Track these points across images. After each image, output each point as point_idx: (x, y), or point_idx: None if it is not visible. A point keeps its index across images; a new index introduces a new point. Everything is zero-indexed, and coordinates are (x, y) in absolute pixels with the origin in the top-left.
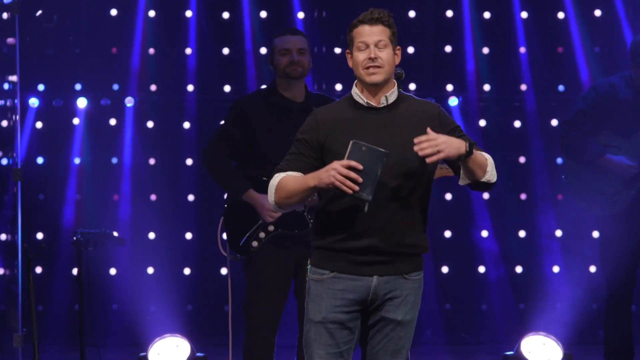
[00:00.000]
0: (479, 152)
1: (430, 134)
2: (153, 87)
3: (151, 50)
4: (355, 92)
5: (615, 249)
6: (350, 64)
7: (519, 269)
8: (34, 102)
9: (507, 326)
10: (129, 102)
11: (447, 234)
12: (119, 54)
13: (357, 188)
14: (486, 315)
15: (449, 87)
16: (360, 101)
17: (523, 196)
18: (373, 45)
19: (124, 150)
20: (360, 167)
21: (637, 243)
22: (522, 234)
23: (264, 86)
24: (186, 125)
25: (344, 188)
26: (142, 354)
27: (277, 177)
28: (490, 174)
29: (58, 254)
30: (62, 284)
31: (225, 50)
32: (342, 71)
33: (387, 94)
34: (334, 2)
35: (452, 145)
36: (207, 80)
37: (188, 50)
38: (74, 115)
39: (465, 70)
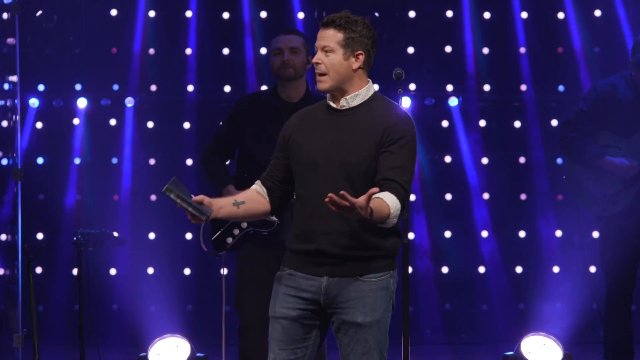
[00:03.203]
0: (382, 206)
1: (348, 198)
2: (153, 87)
3: (151, 51)
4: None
5: (615, 249)
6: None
7: (519, 269)
8: (34, 102)
9: (507, 326)
10: (129, 102)
11: (447, 234)
12: (119, 54)
13: (197, 219)
14: (486, 315)
15: (449, 88)
16: (329, 103)
17: (523, 196)
18: (319, 50)
19: (124, 150)
20: (177, 202)
21: (637, 243)
22: (522, 234)
23: (264, 87)
24: (186, 125)
25: (194, 221)
26: (142, 354)
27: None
28: (388, 223)
29: (58, 254)
30: (62, 284)
31: (226, 51)
32: None
33: (348, 97)
34: (334, 2)
35: (356, 215)
36: (207, 80)
37: (188, 51)
38: (74, 116)
39: (465, 70)
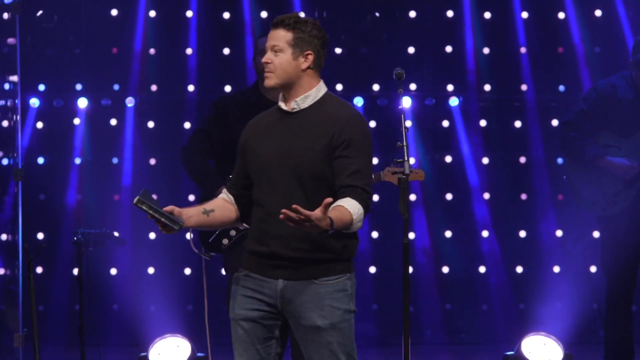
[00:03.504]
0: (344, 214)
1: (302, 212)
2: (154, 87)
3: (152, 51)
4: (280, 96)
5: (615, 249)
6: None
7: (519, 269)
8: (34, 102)
9: (508, 326)
10: (130, 102)
11: (448, 234)
12: (119, 54)
13: (169, 230)
14: (486, 315)
15: (450, 87)
16: (281, 106)
17: (523, 196)
18: (269, 50)
19: (124, 150)
20: (149, 213)
21: (638, 243)
22: (522, 234)
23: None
24: (187, 125)
25: (165, 232)
26: (142, 354)
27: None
28: (352, 229)
29: (58, 254)
30: (62, 284)
31: (226, 51)
32: (342, 71)
33: (298, 99)
34: (334, 2)
35: (316, 228)
36: (208, 80)
37: (188, 51)
38: (75, 116)
39: (465, 70)
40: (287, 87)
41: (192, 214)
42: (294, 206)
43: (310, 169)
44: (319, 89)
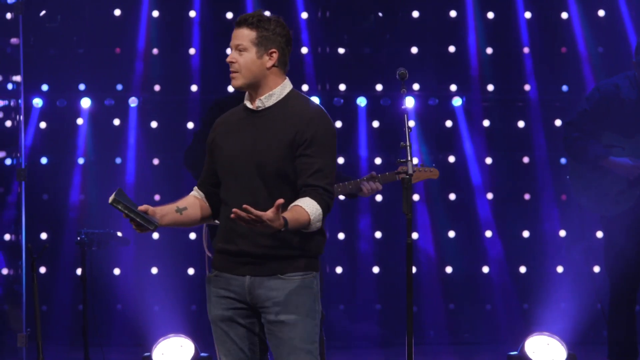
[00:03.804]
0: (300, 214)
1: (252, 212)
2: (157, 87)
3: (155, 51)
4: (246, 94)
5: (619, 249)
6: None
7: (522, 269)
8: (37, 102)
9: (511, 326)
10: (133, 102)
11: (451, 234)
12: (122, 54)
13: (143, 229)
14: (490, 315)
15: (453, 87)
16: (246, 103)
17: (527, 196)
18: (234, 49)
19: (127, 150)
20: (125, 212)
21: None
22: (525, 234)
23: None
24: (190, 125)
25: (139, 231)
26: (146, 354)
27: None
28: (311, 228)
29: (62, 254)
30: (66, 284)
31: (229, 51)
32: (345, 71)
33: (263, 97)
34: (337, 2)
35: (269, 227)
36: (211, 80)
37: (192, 51)
38: (78, 116)
39: (468, 70)
40: (253, 86)
41: (165, 212)
42: (245, 206)
43: (273, 166)
44: (284, 87)
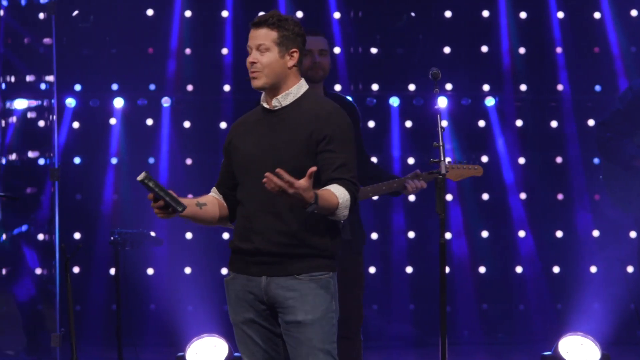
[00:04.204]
0: (330, 197)
1: (284, 176)
2: (189, 87)
3: (187, 50)
4: (262, 95)
5: None
6: None
7: (556, 269)
8: (70, 102)
9: (545, 326)
10: (166, 102)
11: (484, 234)
12: (155, 54)
13: (166, 214)
14: (523, 315)
15: (485, 88)
16: (262, 103)
17: (560, 196)
18: (255, 49)
19: (160, 150)
20: (151, 196)
21: None
22: (559, 234)
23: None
24: (223, 125)
25: (162, 215)
26: (179, 354)
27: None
28: (338, 215)
29: (95, 254)
30: (99, 284)
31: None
32: (378, 71)
33: (279, 97)
34: (370, 2)
35: (299, 197)
36: (244, 79)
37: (224, 50)
38: (111, 115)
39: (501, 70)
40: (274, 86)
41: (186, 204)
42: (278, 170)
43: (291, 164)
44: (300, 87)
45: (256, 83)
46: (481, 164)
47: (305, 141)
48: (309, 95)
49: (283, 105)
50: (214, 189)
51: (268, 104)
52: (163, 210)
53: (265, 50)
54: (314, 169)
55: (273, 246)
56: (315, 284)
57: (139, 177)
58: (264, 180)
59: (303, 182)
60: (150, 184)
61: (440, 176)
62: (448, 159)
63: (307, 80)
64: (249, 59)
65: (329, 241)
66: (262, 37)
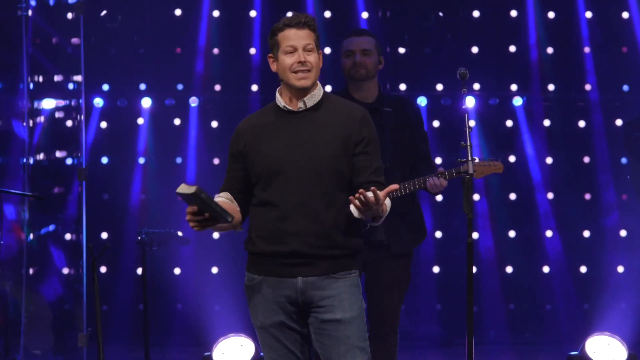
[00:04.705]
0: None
1: (378, 195)
2: (217, 87)
3: (215, 50)
4: (277, 96)
5: None
6: (273, 68)
7: (583, 269)
8: (98, 102)
9: (572, 326)
10: (193, 102)
11: (512, 233)
12: (183, 54)
13: (201, 227)
14: (550, 315)
15: (513, 87)
16: (281, 105)
17: (587, 196)
18: (301, 49)
19: (188, 150)
20: (195, 209)
21: None
22: (586, 233)
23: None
24: None
25: (199, 228)
26: (206, 353)
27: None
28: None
29: (122, 253)
30: (126, 284)
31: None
32: (406, 71)
33: (305, 98)
34: (398, 2)
35: (374, 211)
36: (271, 80)
37: (252, 50)
38: (139, 115)
39: (529, 70)
40: (309, 87)
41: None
42: (373, 188)
43: (330, 164)
44: (321, 89)
45: (306, 82)
46: (508, 163)
47: (343, 143)
48: (329, 97)
49: (308, 106)
50: (225, 194)
51: (291, 105)
52: (203, 222)
53: (311, 51)
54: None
55: (310, 247)
56: (350, 282)
57: (191, 191)
58: (356, 196)
59: (384, 198)
60: (202, 196)
61: (468, 176)
62: (476, 159)
63: (350, 79)
64: (299, 59)
65: (356, 240)
66: (307, 37)
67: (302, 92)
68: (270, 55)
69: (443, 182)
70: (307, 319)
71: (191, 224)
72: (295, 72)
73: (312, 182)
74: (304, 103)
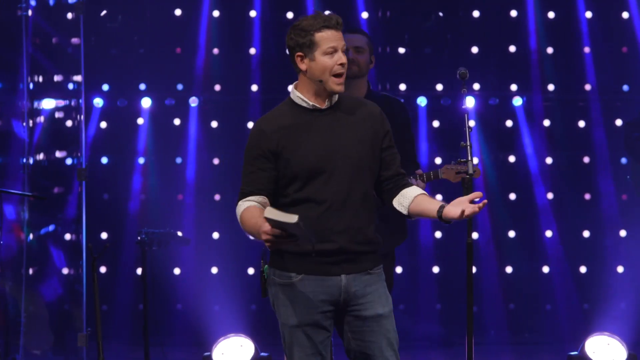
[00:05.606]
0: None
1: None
2: (217, 87)
3: (215, 50)
4: (298, 95)
5: None
6: (302, 67)
7: (583, 269)
8: (98, 102)
9: (571, 326)
10: (193, 102)
11: (511, 233)
12: (183, 54)
13: (289, 243)
14: (550, 315)
15: (513, 87)
16: (304, 104)
17: (587, 196)
18: (341, 51)
19: (188, 150)
20: (281, 232)
21: None
22: (586, 234)
23: None
24: (250, 125)
25: (276, 246)
26: (206, 353)
27: (241, 207)
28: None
29: (122, 253)
30: (126, 284)
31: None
32: (406, 71)
33: (332, 97)
34: (398, 2)
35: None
36: (271, 80)
37: (252, 50)
38: (138, 115)
39: (529, 70)
40: None
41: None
42: (485, 201)
43: (365, 161)
44: None
45: (342, 87)
46: (508, 163)
47: (371, 140)
48: (342, 95)
49: (332, 104)
50: (261, 199)
51: (319, 103)
52: (283, 241)
53: (344, 53)
54: (479, 193)
55: (355, 244)
56: (382, 277)
57: (293, 220)
58: (480, 205)
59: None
60: (301, 224)
61: (468, 176)
62: (476, 159)
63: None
64: (340, 60)
65: (379, 236)
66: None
67: (331, 92)
68: (300, 53)
69: (420, 184)
70: (341, 318)
71: (268, 244)
72: (336, 74)
73: (351, 180)
74: (330, 101)
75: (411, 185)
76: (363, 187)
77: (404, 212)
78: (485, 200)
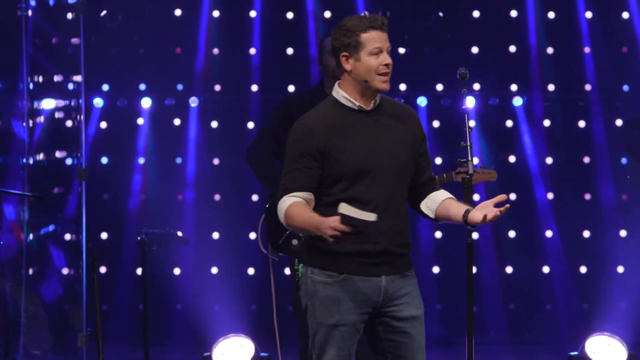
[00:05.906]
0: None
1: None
2: (217, 87)
3: (215, 50)
4: (343, 95)
5: None
6: (347, 67)
7: (583, 269)
8: (98, 102)
9: (572, 326)
10: (193, 102)
11: (511, 234)
12: (183, 54)
13: (352, 241)
14: (550, 315)
15: (513, 87)
16: (350, 104)
17: (587, 196)
18: (386, 52)
19: (188, 150)
20: (349, 229)
21: None
22: (586, 234)
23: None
24: (250, 125)
25: (340, 242)
26: (206, 353)
27: (286, 201)
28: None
29: (122, 253)
30: (126, 284)
31: (289, 50)
32: (406, 71)
33: (376, 98)
34: (398, 2)
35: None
36: (271, 80)
37: (252, 50)
38: (138, 115)
39: (529, 70)
40: None
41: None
42: (507, 206)
43: (407, 164)
44: None
45: (388, 85)
46: (508, 163)
47: (412, 142)
48: (382, 97)
49: (375, 105)
50: (303, 194)
51: (365, 104)
52: (350, 236)
53: (389, 54)
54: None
55: (394, 246)
56: (416, 280)
57: (372, 219)
58: (502, 209)
59: None
60: (376, 221)
61: (468, 176)
62: (476, 159)
63: (332, 79)
64: (385, 61)
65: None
66: (387, 40)
67: (376, 92)
68: (345, 53)
69: None
70: (375, 319)
71: (332, 239)
72: (381, 74)
73: (395, 181)
74: (374, 102)
75: (440, 189)
76: (403, 189)
77: (431, 215)
78: (508, 205)
